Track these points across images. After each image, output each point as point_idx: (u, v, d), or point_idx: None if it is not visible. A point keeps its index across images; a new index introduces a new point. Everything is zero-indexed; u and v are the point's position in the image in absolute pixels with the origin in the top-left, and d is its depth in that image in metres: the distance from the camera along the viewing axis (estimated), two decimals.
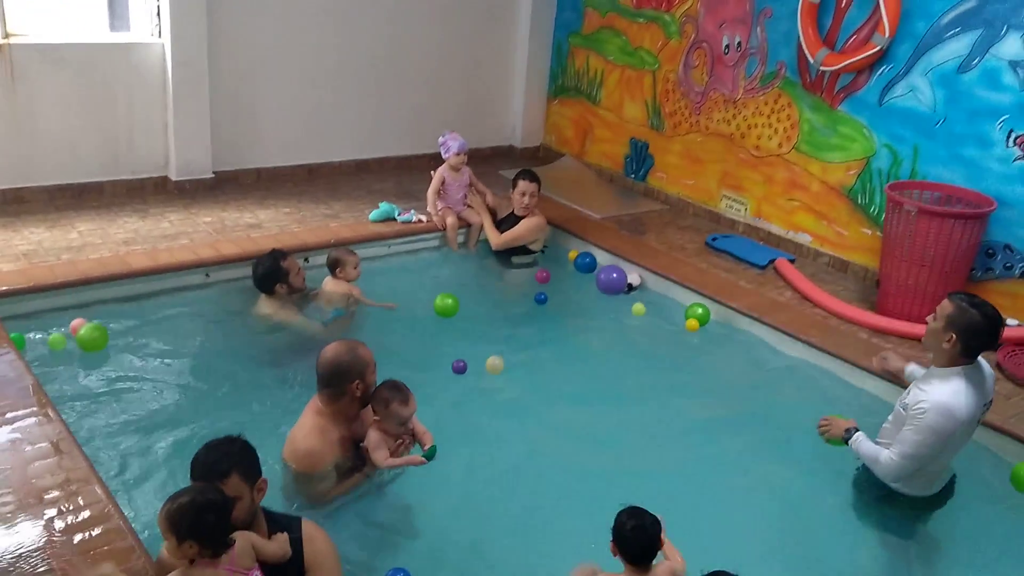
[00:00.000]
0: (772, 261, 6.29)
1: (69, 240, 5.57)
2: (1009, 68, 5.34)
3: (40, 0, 6.25)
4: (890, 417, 3.89)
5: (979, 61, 5.47)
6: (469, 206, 6.42)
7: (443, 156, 6.34)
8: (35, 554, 2.89)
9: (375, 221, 6.28)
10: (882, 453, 3.72)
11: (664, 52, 7.46)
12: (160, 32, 6.40)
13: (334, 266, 5.31)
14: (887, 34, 5.75)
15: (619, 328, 5.62)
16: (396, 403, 3.56)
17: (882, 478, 3.76)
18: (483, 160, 7.68)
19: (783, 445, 4.38)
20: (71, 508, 3.13)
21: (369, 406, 3.63)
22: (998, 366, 4.83)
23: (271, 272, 5.02)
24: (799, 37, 6.29)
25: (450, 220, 6.29)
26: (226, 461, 2.79)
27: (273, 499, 3.40)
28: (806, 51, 6.25)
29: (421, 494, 3.73)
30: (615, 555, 2.94)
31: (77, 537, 2.99)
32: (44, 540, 2.97)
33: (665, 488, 3.83)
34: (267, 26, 6.84)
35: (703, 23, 7.10)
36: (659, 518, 2.91)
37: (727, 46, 6.95)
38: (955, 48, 5.57)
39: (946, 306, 3.64)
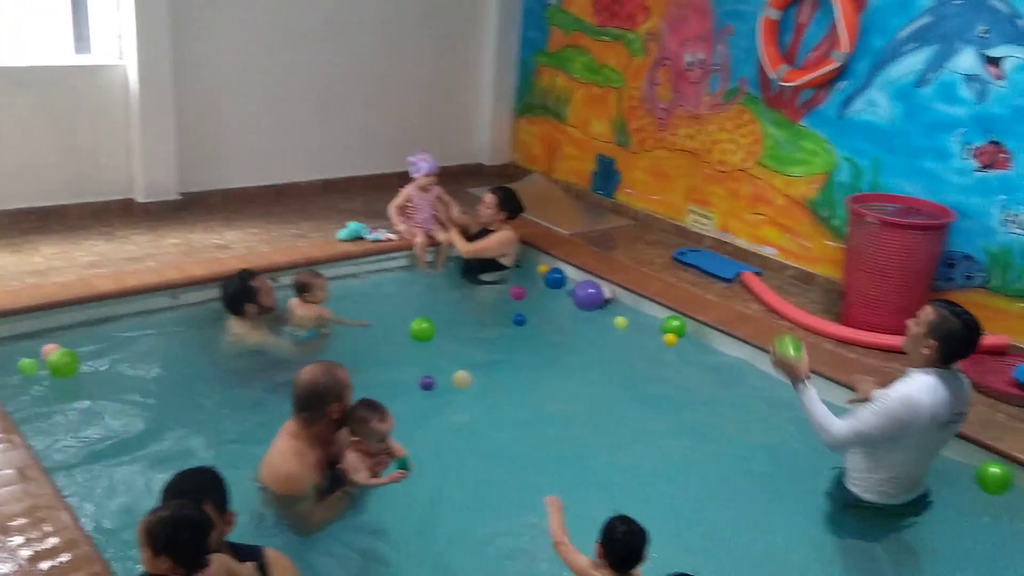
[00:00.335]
0: (739, 274, 6.36)
1: (33, 264, 5.51)
2: (964, 82, 5.46)
3: (2, 23, 6.20)
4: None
5: (935, 75, 5.59)
6: (439, 221, 6.44)
7: (412, 175, 6.35)
8: None
9: (344, 240, 6.27)
10: (832, 418, 3.74)
11: (629, 70, 7.55)
12: (124, 54, 6.37)
13: (301, 290, 5.25)
14: (845, 50, 5.86)
15: (595, 344, 5.63)
16: (374, 421, 3.54)
17: (822, 443, 3.77)
18: (451, 178, 7.69)
19: (750, 457, 4.42)
20: (38, 535, 3.10)
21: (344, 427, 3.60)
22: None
23: (240, 292, 4.98)
24: (760, 54, 6.40)
25: (418, 239, 6.30)
26: (199, 491, 2.77)
27: (252, 524, 3.39)
28: (767, 67, 6.36)
29: (396, 513, 3.70)
30: (599, 558, 2.96)
31: (45, 564, 2.96)
32: (11, 568, 2.93)
33: (634, 501, 3.82)
34: (233, 47, 6.83)
35: (666, 41, 7.20)
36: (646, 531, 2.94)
37: (690, 63, 7.05)
38: (912, 63, 5.70)
39: (928, 313, 3.72)
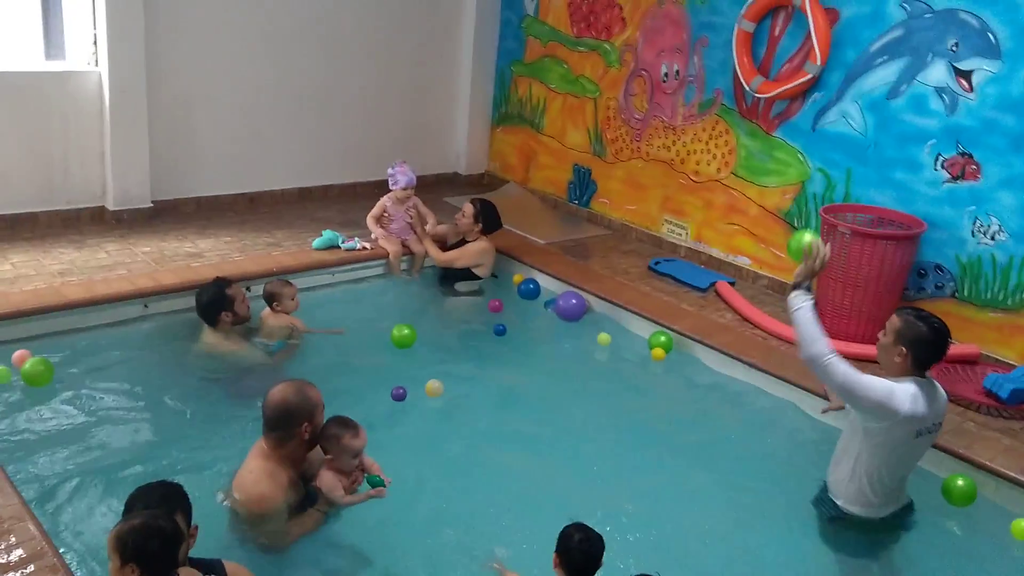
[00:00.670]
0: (713, 284, 6.39)
1: (2, 272, 5.44)
2: (935, 94, 5.53)
3: None
4: (846, 426, 3.93)
5: (907, 88, 5.66)
6: (414, 230, 6.42)
7: (390, 187, 6.34)
8: None
9: (318, 249, 6.24)
10: (825, 343, 3.62)
11: (605, 80, 7.58)
12: (97, 60, 6.31)
13: (270, 300, 5.20)
14: (818, 62, 5.92)
15: (574, 356, 5.61)
16: (347, 438, 3.48)
17: (804, 358, 3.65)
18: (427, 187, 7.69)
19: (732, 467, 4.41)
20: (3, 546, 3.04)
21: (317, 446, 3.55)
22: None
23: (215, 300, 4.93)
24: (734, 65, 6.45)
25: (393, 248, 6.28)
26: (168, 503, 2.75)
27: (225, 541, 3.35)
28: (741, 79, 6.41)
29: (368, 528, 3.65)
30: (556, 568, 2.95)
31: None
32: None
33: (618, 517, 3.85)
34: (206, 53, 6.79)
35: (642, 52, 7.24)
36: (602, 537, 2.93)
37: (666, 74, 7.09)
38: (883, 75, 5.76)
39: (895, 321, 3.75)
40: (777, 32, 6.29)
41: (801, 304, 3.68)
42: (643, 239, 7.41)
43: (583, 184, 7.92)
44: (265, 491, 3.39)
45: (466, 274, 6.26)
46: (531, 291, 6.25)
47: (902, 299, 5.64)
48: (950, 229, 5.57)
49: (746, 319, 5.87)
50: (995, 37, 5.22)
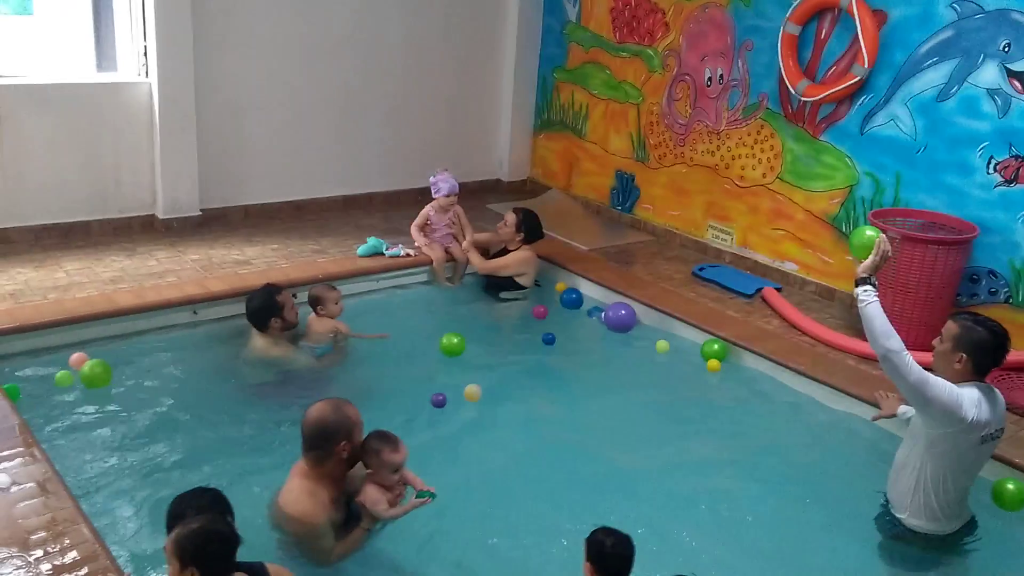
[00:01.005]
0: (759, 290, 6.32)
1: (56, 280, 5.56)
2: (987, 96, 5.42)
3: (27, 41, 6.29)
4: (907, 435, 3.85)
5: (957, 90, 5.55)
6: (456, 237, 6.45)
7: (433, 195, 6.37)
8: None
9: (363, 256, 6.28)
10: (899, 339, 3.51)
11: (648, 85, 7.55)
12: (148, 72, 6.44)
13: (315, 304, 5.26)
14: (866, 64, 5.83)
15: (623, 364, 5.56)
16: (387, 451, 3.46)
17: (879, 353, 3.53)
18: (470, 194, 7.71)
19: (789, 481, 4.33)
20: (58, 549, 3.10)
21: (358, 463, 3.53)
22: None
23: (266, 307, 4.99)
24: (780, 69, 6.38)
25: (436, 255, 6.31)
26: (218, 507, 2.79)
27: (266, 549, 3.37)
28: (787, 82, 6.34)
29: (414, 541, 3.64)
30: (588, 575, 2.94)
31: None
32: None
33: (675, 529, 3.82)
34: (254, 64, 6.89)
35: (685, 56, 7.20)
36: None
37: (709, 78, 7.04)
38: (933, 77, 5.66)
39: (951, 327, 3.67)
40: (823, 35, 6.21)
41: (872, 299, 3.60)
42: (687, 245, 7.35)
43: (626, 190, 7.89)
44: (307, 509, 3.37)
45: (510, 283, 6.26)
46: (574, 300, 6.21)
47: (954, 305, 5.53)
48: (1003, 233, 5.45)
49: (793, 325, 5.79)
50: None
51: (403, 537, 3.60)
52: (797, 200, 6.55)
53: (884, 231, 5.37)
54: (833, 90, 6.04)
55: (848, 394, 4.92)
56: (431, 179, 6.39)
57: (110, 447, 4.15)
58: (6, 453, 3.64)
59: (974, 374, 3.63)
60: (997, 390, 3.72)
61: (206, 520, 2.60)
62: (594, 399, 5.07)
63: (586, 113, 8.14)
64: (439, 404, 4.67)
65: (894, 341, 3.50)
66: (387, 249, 6.31)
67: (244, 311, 5.07)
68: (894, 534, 3.81)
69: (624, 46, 7.67)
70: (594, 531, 2.98)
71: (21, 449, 3.67)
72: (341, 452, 3.43)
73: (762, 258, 6.83)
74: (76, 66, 6.58)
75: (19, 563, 3.01)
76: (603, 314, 5.92)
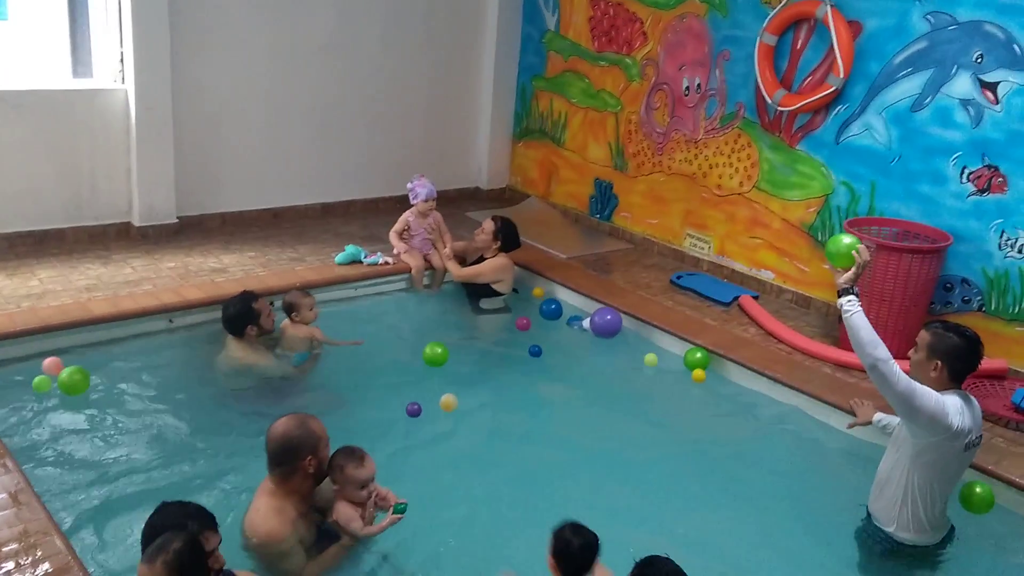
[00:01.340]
0: (736, 298, 6.36)
1: (29, 287, 5.50)
2: (960, 106, 5.49)
3: (1, 46, 6.24)
4: (890, 446, 3.85)
5: (931, 100, 5.62)
6: (434, 245, 6.45)
7: (411, 201, 6.37)
8: None
9: (341, 264, 6.26)
10: (885, 347, 3.50)
11: (626, 94, 7.58)
12: (124, 78, 6.39)
13: (289, 310, 5.24)
14: (841, 75, 5.89)
15: (608, 374, 5.57)
16: (351, 467, 3.40)
17: (866, 363, 3.51)
18: (449, 202, 7.72)
19: (778, 496, 4.32)
20: (30, 560, 3.06)
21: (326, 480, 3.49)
22: None
23: (242, 314, 4.96)
24: (757, 78, 6.43)
25: (415, 263, 6.30)
26: (203, 521, 2.78)
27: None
28: (764, 92, 6.39)
29: (394, 555, 3.59)
30: (552, 570, 2.96)
31: None
32: None
33: (656, 543, 3.79)
34: (232, 71, 6.86)
35: (663, 66, 7.24)
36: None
37: (687, 88, 7.09)
38: (908, 88, 5.73)
39: (924, 336, 3.69)
40: (799, 45, 6.27)
41: (856, 309, 3.60)
42: (665, 253, 7.38)
43: (604, 198, 7.92)
44: (274, 527, 3.30)
45: (487, 291, 6.26)
46: (553, 311, 6.17)
47: (928, 313, 5.58)
48: (976, 242, 5.51)
49: (770, 333, 5.83)
50: (1020, 48, 5.18)
51: (366, 548, 3.56)
52: (774, 209, 6.60)
53: (859, 239, 5.45)
54: (809, 100, 6.10)
55: (824, 401, 4.95)
56: (408, 185, 6.39)
57: (84, 457, 4.11)
58: None
59: (951, 381, 3.65)
60: (973, 398, 3.76)
61: (177, 537, 2.61)
62: (577, 412, 5.06)
63: (565, 121, 8.17)
64: (414, 414, 4.65)
65: (881, 350, 3.49)
66: (365, 257, 6.29)
67: (220, 318, 5.04)
68: (882, 550, 3.80)
69: (603, 55, 7.71)
70: (562, 526, 3.01)
71: None
72: (307, 467, 3.38)
73: (739, 266, 6.88)
74: (51, 72, 6.52)
75: None
76: (589, 319, 5.90)
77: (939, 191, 5.65)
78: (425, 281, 6.39)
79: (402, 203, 6.53)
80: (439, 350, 5.22)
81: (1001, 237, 5.40)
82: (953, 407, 3.54)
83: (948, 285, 5.66)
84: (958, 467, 3.74)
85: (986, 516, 4.12)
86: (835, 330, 5.91)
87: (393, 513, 3.42)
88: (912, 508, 3.70)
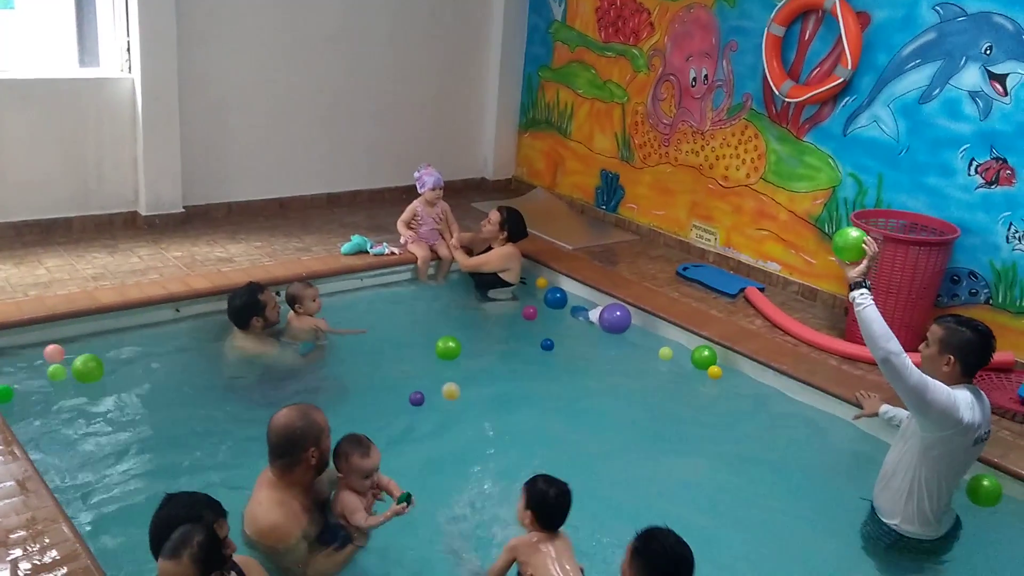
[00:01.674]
0: (742, 290, 6.35)
1: (36, 276, 5.51)
2: (969, 98, 5.46)
3: (8, 35, 6.24)
4: (897, 439, 3.84)
5: (939, 92, 5.60)
6: (442, 235, 6.45)
7: (419, 190, 6.37)
8: None
9: (347, 254, 6.27)
10: (897, 341, 3.49)
11: (633, 85, 7.56)
12: (130, 67, 6.39)
13: (292, 303, 5.25)
14: (849, 66, 5.87)
15: (619, 366, 5.56)
16: (356, 456, 3.37)
17: (878, 356, 3.48)
18: (455, 193, 7.71)
19: (783, 488, 4.31)
20: (37, 548, 3.08)
21: (327, 471, 3.45)
22: None
23: (248, 305, 4.97)
24: (764, 69, 6.41)
25: (421, 253, 6.30)
26: (215, 509, 2.81)
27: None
28: (771, 83, 6.36)
29: (396, 555, 3.58)
30: (526, 523, 3.00)
31: None
32: None
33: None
34: (238, 60, 6.85)
35: (670, 56, 7.21)
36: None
37: (694, 79, 7.06)
38: (916, 79, 5.70)
39: (936, 330, 3.67)
40: (807, 36, 6.24)
41: (868, 302, 3.58)
42: (671, 244, 7.37)
43: (611, 189, 7.90)
44: (276, 520, 3.26)
45: (495, 281, 6.26)
46: (558, 300, 6.18)
47: (935, 306, 5.57)
48: (984, 235, 5.49)
49: (776, 325, 5.82)
50: None
51: (376, 548, 3.54)
52: (780, 200, 6.58)
53: (866, 232, 5.44)
54: (817, 91, 6.07)
55: (830, 394, 4.94)
56: (415, 174, 6.40)
57: (90, 444, 4.12)
58: None
59: (963, 376, 3.63)
60: (982, 392, 3.74)
61: (197, 529, 2.64)
62: (588, 405, 5.02)
63: (571, 112, 8.15)
64: (417, 403, 4.65)
65: (894, 344, 3.47)
66: (372, 247, 6.29)
67: (226, 308, 5.04)
68: (889, 543, 3.79)
69: (609, 46, 7.68)
70: (534, 479, 3.06)
71: (0, 447, 3.64)
72: (310, 459, 3.32)
73: (745, 258, 6.86)
74: (58, 61, 6.52)
75: None
76: (597, 314, 5.88)
77: (947, 183, 5.63)
78: (430, 272, 6.39)
79: (408, 193, 6.52)
80: (452, 344, 5.21)
81: (1009, 230, 5.38)
82: (964, 402, 3.53)
83: (955, 278, 5.64)
84: (966, 461, 3.73)
85: (993, 509, 4.11)
86: (841, 322, 5.90)
87: (397, 504, 3.38)
88: (918, 501, 3.69)
